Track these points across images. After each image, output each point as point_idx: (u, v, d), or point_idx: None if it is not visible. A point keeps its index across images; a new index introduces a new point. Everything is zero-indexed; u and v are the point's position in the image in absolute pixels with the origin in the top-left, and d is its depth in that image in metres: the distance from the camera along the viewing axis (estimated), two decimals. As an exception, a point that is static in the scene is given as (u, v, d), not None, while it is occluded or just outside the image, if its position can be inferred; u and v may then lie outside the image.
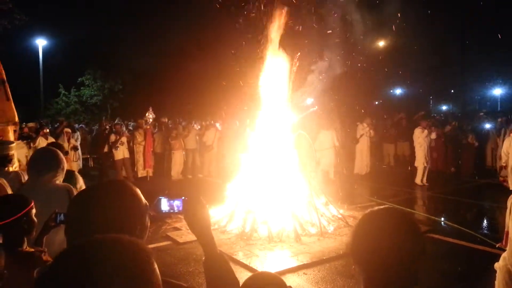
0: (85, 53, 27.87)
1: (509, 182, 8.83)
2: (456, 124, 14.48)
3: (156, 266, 0.88)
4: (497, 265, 3.52)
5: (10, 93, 6.09)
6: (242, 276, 1.81)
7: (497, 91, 36.73)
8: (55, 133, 12.66)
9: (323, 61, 8.72)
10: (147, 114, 15.33)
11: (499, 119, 14.07)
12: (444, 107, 39.25)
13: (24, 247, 2.38)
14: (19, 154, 6.25)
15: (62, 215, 2.56)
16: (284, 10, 7.99)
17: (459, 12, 27.15)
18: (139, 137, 13.31)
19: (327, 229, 7.22)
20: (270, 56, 8.19)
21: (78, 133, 14.05)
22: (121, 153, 12.50)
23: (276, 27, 8.07)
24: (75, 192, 3.25)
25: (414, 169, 12.30)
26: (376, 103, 30.95)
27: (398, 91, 36.03)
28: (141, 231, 1.37)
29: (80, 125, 19.97)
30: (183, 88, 27.36)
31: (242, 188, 7.89)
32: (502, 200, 8.74)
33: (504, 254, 3.46)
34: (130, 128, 16.83)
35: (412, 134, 12.32)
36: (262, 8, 8.14)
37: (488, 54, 29.72)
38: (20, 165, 5.52)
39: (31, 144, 10.48)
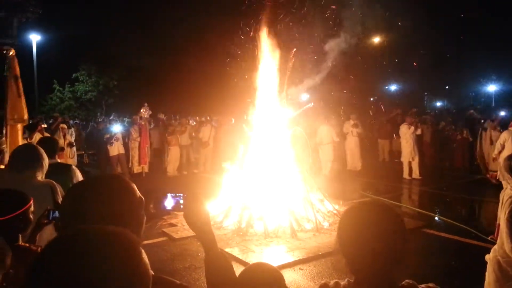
0: (79, 48, 27.68)
1: (499, 174, 8.93)
2: (451, 119, 14.57)
3: (144, 256, 0.88)
4: (487, 257, 3.58)
5: (22, 90, 6.05)
6: (238, 271, 1.82)
7: (492, 88, 36.95)
8: (50, 129, 12.58)
9: (318, 56, 8.73)
10: (142, 110, 15.25)
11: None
12: (438, 104, 39.41)
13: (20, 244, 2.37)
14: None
15: (56, 212, 2.54)
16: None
17: (454, 9, 27.21)
18: (134, 133, 13.27)
19: (323, 224, 7.24)
20: (265, 52, 8.19)
21: (72, 129, 13.98)
22: (115, 149, 12.46)
23: (271, 24, 8.07)
24: (59, 188, 3.23)
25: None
26: (372, 99, 31.01)
27: (393, 88, 36.13)
28: (137, 225, 1.38)
29: (75, 121, 19.89)
30: (178, 84, 27.29)
31: (238, 184, 7.90)
32: (495, 194, 8.83)
33: (495, 246, 3.51)
34: (126, 124, 16.78)
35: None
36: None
37: (482, 51, 29.86)
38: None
39: (28, 140, 10.40)
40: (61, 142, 10.79)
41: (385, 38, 16.91)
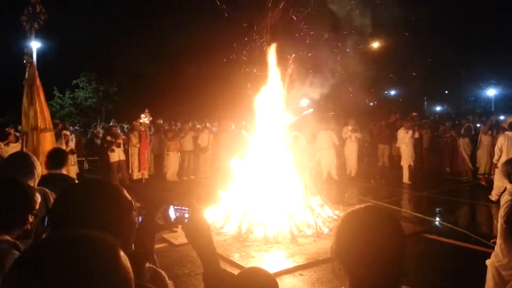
0: (79, 55, 27.78)
1: (495, 177, 9.06)
2: (451, 125, 14.59)
3: (123, 260, 0.88)
4: (488, 262, 3.58)
5: (38, 97, 6.06)
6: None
7: (491, 92, 37.00)
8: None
9: (317, 62, 8.76)
10: (142, 116, 15.26)
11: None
12: (438, 108, 39.47)
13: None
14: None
15: None
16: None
17: (454, 14, 27.34)
18: (134, 139, 13.27)
19: (323, 230, 7.23)
20: (265, 58, 8.22)
21: (72, 135, 13.98)
22: (116, 155, 12.45)
23: (271, 30, 8.11)
24: (51, 196, 3.23)
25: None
26: (371, 104, 31.04)
27: (392, 92, 36.19)
28: (128, 229, 1.39)
29: (75, 128, 19.90)
30: (178, 90, 27.36)
31: (238, 190, 7.90)
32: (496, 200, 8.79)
33: (494, 251, 3.52)
34: (125, 130, 16.79)
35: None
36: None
37: (482, 55, 29.96)
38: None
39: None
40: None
41: (384, 43, 16.97)
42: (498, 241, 3.38)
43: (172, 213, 1.57)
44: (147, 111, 16.11)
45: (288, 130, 8.50)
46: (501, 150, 9.61)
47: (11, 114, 26.01)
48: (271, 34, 8.13)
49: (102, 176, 12.97)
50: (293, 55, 8.42)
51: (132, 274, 0.89)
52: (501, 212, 3.31)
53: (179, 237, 7.02)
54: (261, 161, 7.94)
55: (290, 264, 5.96)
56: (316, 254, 6.30)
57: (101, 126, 19.32)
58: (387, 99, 35.31)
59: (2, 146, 9.70)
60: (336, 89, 9.24)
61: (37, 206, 2.38)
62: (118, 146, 12.46)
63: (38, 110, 6.01)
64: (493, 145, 10.74)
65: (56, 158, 4.22)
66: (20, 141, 6.09)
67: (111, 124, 18.14)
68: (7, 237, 2.16)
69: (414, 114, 15.19)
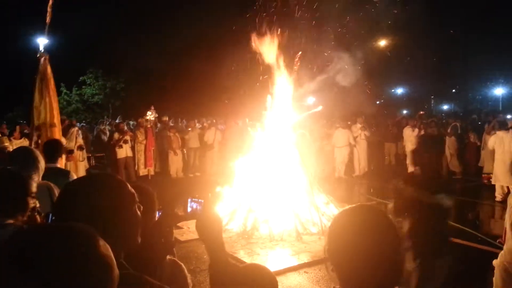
0: (86, 52, 27.91)
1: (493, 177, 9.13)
2: (458, 124, 14.47)
3: (103, 250, 0.91)
4: (495, 262, 3.55)
5: (47, 91, 6.03)
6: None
7: (499, 91, 36.69)
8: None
9: (323, 60, 8.75)
10: (149, 113, 15.35)
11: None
12: (445, 107, 39.21)
13: None
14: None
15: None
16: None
17: (461, 11, 27.11)
18: (140, 136, 13.33)
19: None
20: (272, 55, 8.20)
21: (79, 131, 14.04)
22: (123, 151, 12.51)
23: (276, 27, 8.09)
24: (56, 190, 3.24)
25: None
26: (378, 102, 30.94)
27: (399, 91, 36.00)
28: (131, 221, 1.41)
29: (82, 124, 20.01)
30: (184, 87, 27.39)
31: (243, 187, 7.91)
32: (503, 199, 8.74)
33: (502, 251, 3.49)
34: (131, 127, 16.86)
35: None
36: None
37: (490, 53, 29.68)
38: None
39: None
40: (72, 145, 10.80)
41: (391, 41, 16.88)
42: (510, 242, 3.34)
43: (190, 205, 1.60)
44: (153, 108, 16.17)
45: (295, 128, 8.49)
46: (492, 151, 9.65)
47: (18, 110, 26.23)
48: (278, 29, 8.11)
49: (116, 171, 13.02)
50: (300, 52, 8.41)
51: (113, 262, 0.92)
52: (510, 213, 3.28)
53: (184, 233, 7.05)
54: (267, 158, 7.94)
55: (295, 261, 5.97)
56: (321, 252, 6.24)
57: (107, 123, 19.41)
58: (394, 98, 35.17)
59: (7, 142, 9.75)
60: (343, 88, 9.21)
61: (34, 189, 2.40)
62: (125, 142, 12.52)
63: (48, 105, 6.00)
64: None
65: (50, 151, 4.18)
66: (25, 137, 6.06)
67: (117, 120, 18.24)
68: (11, 221, 2.19)
69: (421, 112, 15.13)
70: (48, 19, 6.24)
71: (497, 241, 5.72)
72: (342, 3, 8.68)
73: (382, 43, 16.98)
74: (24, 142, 9.18)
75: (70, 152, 9.80)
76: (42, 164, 3.33)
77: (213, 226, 1.57)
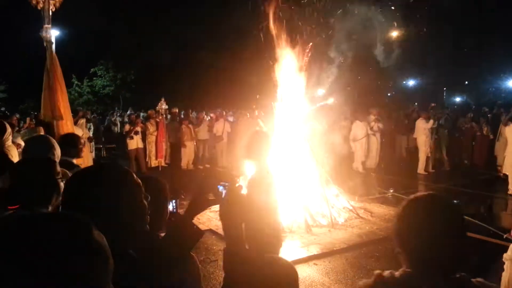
0: (97, 43, 28.00)
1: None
2: (471, 116, 14.29)
3: (95, 237, 0.92)
4: (506, 256, 3.52)
5: (52, 82, 5.96)
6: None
7: (513, 83, 36.04)
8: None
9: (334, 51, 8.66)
10: (159, 105, 15.36)
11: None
12: (458, 99, 38.69)
13: None
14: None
15: None
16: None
17: (475, 2, 26.64)
18: (151, 128, 13.39)
19: (338, 220, 7.21)
20: (282, 46, 8.14)
21: (91, 123, 14.18)
22: (135, 143, 12.59)
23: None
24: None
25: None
26: (389, 94, 30.66)
27: (411, 83, 35.58)
28: (138, 211, 1.43)
29: (93, 115, 20.17)
30: (194, 79, 27.40)
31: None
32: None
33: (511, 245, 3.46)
34: (141, 118, 16.95)
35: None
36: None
37: (503, 45, 29.12)
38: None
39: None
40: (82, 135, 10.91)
41: (403, 32, 16.64)
42: None
43: (220, 189, 1.60)
44: (163, 99, 16.17)
45: (306, 120, 8.44)
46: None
47: (30, 101, 26.49)
48: (289, 20, 8.05)
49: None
50: (311, 43, 8.33)
51: (107, 251, 0.93)
52: None
53: (194, 224, 7.08)
54: (277, 150, 7.91)
55: (305, 253, 5.97)
56: (331, 244, 6.29)
57: (118, 114, 19.54)
58: (405, 90, 34.79)
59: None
60: (356, 79, 9.14)
61: (59, 171, 2.44)
62: (136, 133, 12.59)
63: (53, 98, 5.92)
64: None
65: (64, 144, 4.17)
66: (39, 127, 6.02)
67: (128, 112, 18.34)
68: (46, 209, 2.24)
69: (433, 105, 14.96)
70: (52, 7, 6.18)
71: (504, 236, 5.66)
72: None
73: (395, 34, 16.74)
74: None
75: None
76: (58, 152, 3.34)
77: (234, 210, 1.55)
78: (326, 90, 10.02)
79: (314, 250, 6.06)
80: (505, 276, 3.49)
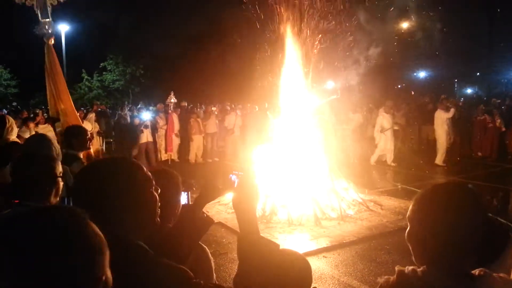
0: (107, 38, 28.13)
1: None
2: (484, 108, 14.12)
3: (90, 230, 0.94)
4: None
5: (49, 81, 5.93)
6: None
7: (526, 74, 35.46)
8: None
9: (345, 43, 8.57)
10: (169, 98, 15.43)
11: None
12: (469, 90, 38.21)
13: None
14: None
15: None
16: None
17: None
18: (161, 121, 13.43)
19: (347, 213, 7.19)
20: (291, 39, 8.10)
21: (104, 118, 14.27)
22: (144, 136, 12.65)
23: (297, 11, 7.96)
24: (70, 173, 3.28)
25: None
26: (399, 86, 30.38)
27: (422, 74, 35.19)
28: (146, 203, 1.44)
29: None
30: (203, 72, 27.39)
31: (262, 172, 7.90)
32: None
33: None
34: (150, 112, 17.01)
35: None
36: None
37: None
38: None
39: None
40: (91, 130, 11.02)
41: (414, 23, 16.43)
42: None
43: (233, 178, 1.60)
44: (172, 93, 16.23)
45: (314, 113, 8.40)
46: None
47: (40, 96, 26.74)
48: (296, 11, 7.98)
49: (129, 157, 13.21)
50: (320, 35, 8.26)
51: (102, 244, 0.94)
52: None
53: (203, 213, 7.12)
54: (286, 142, 7.90)
55: (314, 246, 5.97)
56: (340, 237, 6.28)
57: (128, 108, 19.62)
58: (416, 81, 34.42)
59: (32, 127, 9.97)
60: (366, 72, 9.04)
61: (60, 170, 2.46)
62: (146, 127, 12.65)
63: (55, 92, 5.85)
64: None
65: (68, 138, 4.19)
66: (48, 123, 6.04)
67: (138, 106, 18.41)
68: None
69: (443, 96, 14.77)
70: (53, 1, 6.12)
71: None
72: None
73: (405, 25, 16.55)
74: (48, 127, 9.38)
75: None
76: (57, 149, 3.37)
77: (248, 200, 1.55)
78: (336, 83, 9.96)
79: (324, 243, 6.06)
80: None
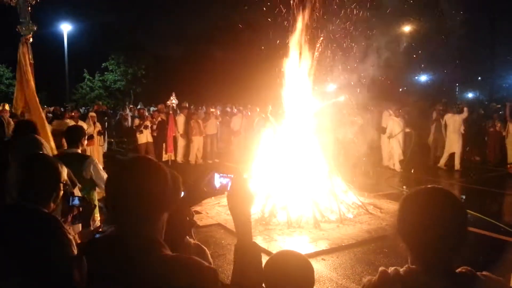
0: (109, 38, 28.17)
1: None
2: (483, 112, 14.11)
3: (65, 233, 0.95)
4: None
5: (20, 77, 5.89)
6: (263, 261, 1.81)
7: (527, 79, 35.43)
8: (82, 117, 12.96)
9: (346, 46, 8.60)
10: (170, 99, 15.47)
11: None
12: (470, 95, 38.19)
13: None
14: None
15: (76, 199, 2.54)
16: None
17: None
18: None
19: (347, 216, 7.19)
20: (293, 42, 8.11)
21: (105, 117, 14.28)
22: (144, 137, 12.66)
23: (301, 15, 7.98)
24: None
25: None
26: (400, 90, 30.31)
27: (423, 78, 35.18)
28: (166, 201, 1.45)
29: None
30: (205, 73, 27.42)
31: (262, 174, 7.91)
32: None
33: None
34: (151, 113, 17.04)
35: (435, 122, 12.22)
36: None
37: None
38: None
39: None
40: (91, 130, 11.03)
41: (414, 26, 16.45)
42: None
43: (217, 180, 1.57)
44: (173, 94, 16.25)
45: (315, 116, 8.40)
46: None
47: (40, 95, 26.81)
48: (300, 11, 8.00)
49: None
50: (321, 38, 8.28)
51: (71, 243, 0.95)
52: None
53: (203, 218, 7.14)
54: (286, 145, 7.91)
55: (313, 248, 5.97)
56: (339, 239, 6.28)
57: (129, 109, 19.65)
58: (417, 85, 34.40)
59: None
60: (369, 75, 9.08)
61: (65, 175, 2.41)
62: (146, 128, 12.66)
63: (19, 92, 5.85)
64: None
65: (70, 137, 4.27)
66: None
67: (139, 106, 18.44)
68: (44, 210, 2.24)
69: (444, 100, 14.79)
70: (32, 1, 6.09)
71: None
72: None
73: (407, 28, 16.55)
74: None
75: (90, 137, 9.97)
76: (47, 149, 3.36)
77: (243, 203, 1.55)
78: (336, 86, 9.97)
79: (323, 245, 6.06)
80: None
